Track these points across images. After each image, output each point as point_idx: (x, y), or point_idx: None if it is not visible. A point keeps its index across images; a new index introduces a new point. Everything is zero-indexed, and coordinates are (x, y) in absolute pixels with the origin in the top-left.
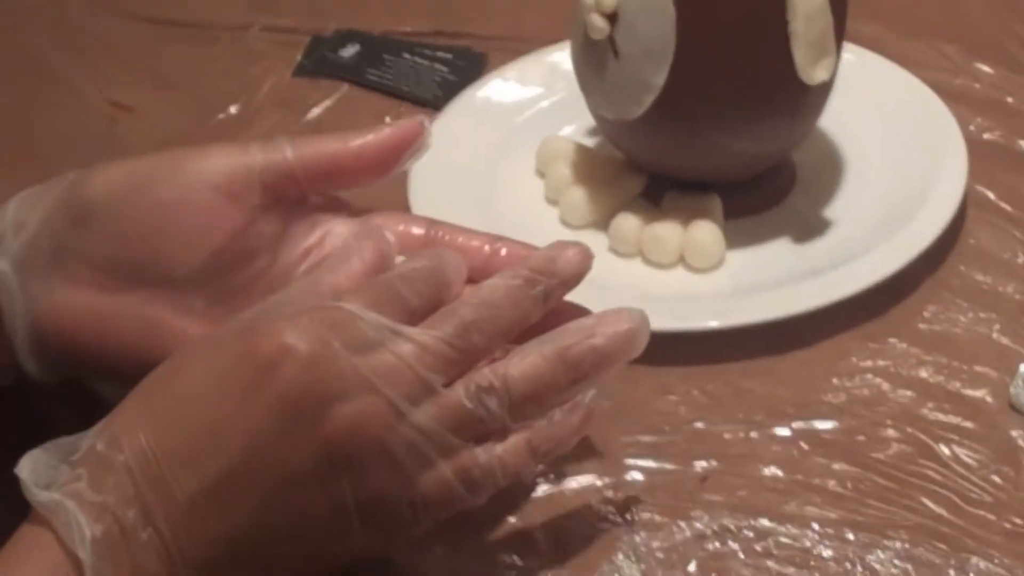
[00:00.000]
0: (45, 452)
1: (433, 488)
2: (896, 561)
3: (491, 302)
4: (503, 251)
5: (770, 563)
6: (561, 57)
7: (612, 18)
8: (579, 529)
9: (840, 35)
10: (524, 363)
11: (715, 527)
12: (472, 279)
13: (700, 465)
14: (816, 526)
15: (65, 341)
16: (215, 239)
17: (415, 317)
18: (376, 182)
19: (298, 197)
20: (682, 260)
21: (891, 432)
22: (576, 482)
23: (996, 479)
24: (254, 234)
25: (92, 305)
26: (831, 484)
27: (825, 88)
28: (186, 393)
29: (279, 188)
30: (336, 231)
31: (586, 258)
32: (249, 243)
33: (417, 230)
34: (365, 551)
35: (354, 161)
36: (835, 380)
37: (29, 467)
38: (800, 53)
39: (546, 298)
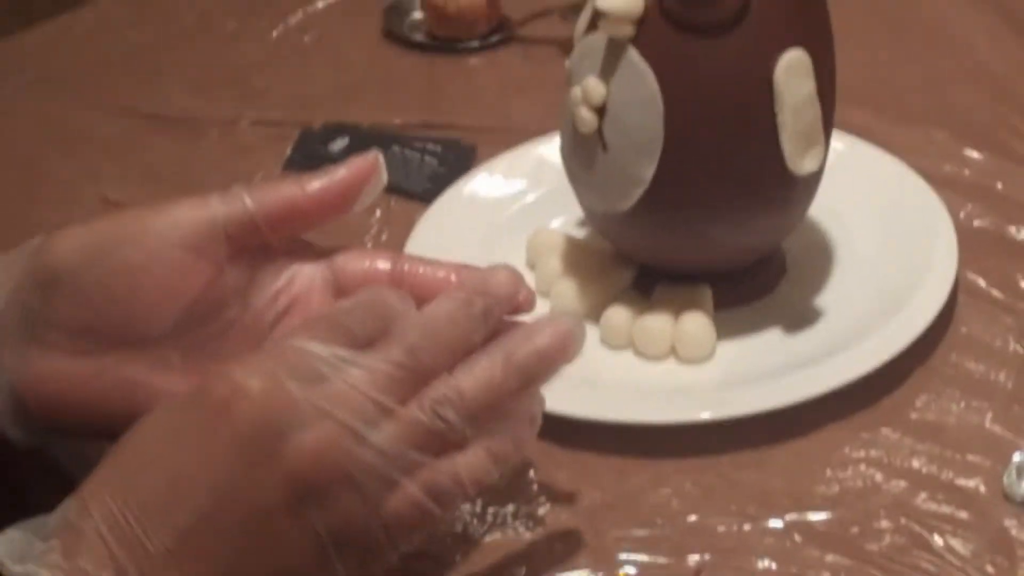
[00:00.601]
0: (18, 530)
1: (403, 507)
2: None
3: (432, 323)
4: None
5: None
6: (549, 149)
7: (601, 111)
8: None
9: (828, 124)
10: (474, 371)
11: None
12: None
13: (694, 559)
14: None
15: (47, 407)
16: (185, 296)
17: (361, 346)
18: (337, 221)
19: (262, 244)
20: (673, 352)
21: (885, 523)
22: None
23: (990, 569)
24: (223, 285)
25: (70, 371)
26: None
27: (814, 178)
28: (146, 449)
29: (243, 237)
30: (303, 272)
31: (515, 277)
32: (219, 294)
33: (383, 265)
34: None
35: (313, 204)
36: (828, 471)
37: (4, 546)
38: (788, 144)
39: (485, 316)
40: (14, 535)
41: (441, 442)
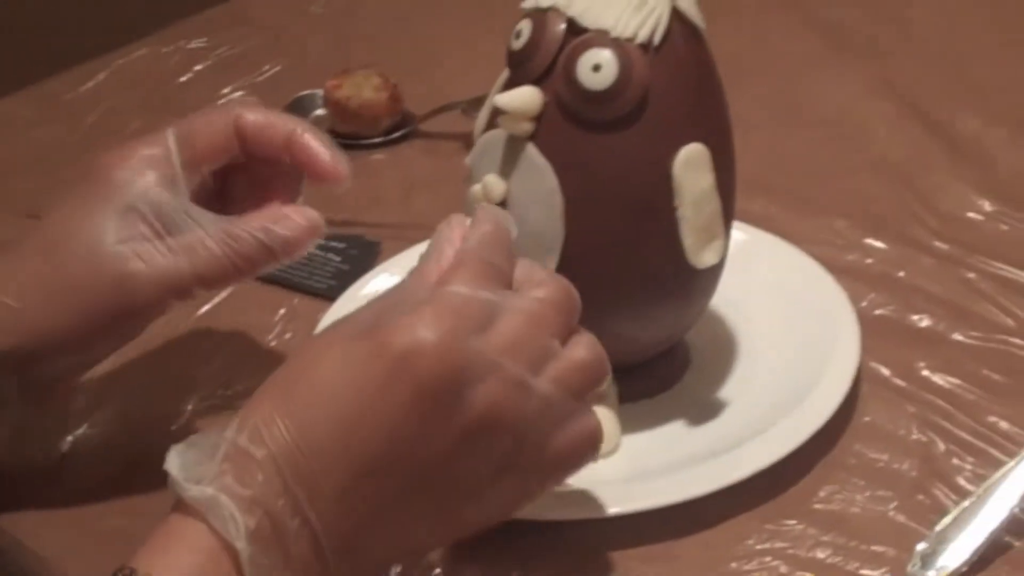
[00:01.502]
0: (189, 448)
1: (559, 450)
2: None
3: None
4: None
5: None
6: None
7: (501, 208)
8: None
9: (729, 217)
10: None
11: None
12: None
13: None
14: None
15: None
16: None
17: (509, 279)
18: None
19: None
20: None
21: None
22: None
23: None
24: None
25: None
26: None
27: (715, 270)
28: (323, 389)
29: None
30: None
31: None
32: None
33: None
34: (494, 516)
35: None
36: (733, 564)
37: (177, 463)
38: (689, 238)
39: None
40: (186, 452)
41: (596, 385)
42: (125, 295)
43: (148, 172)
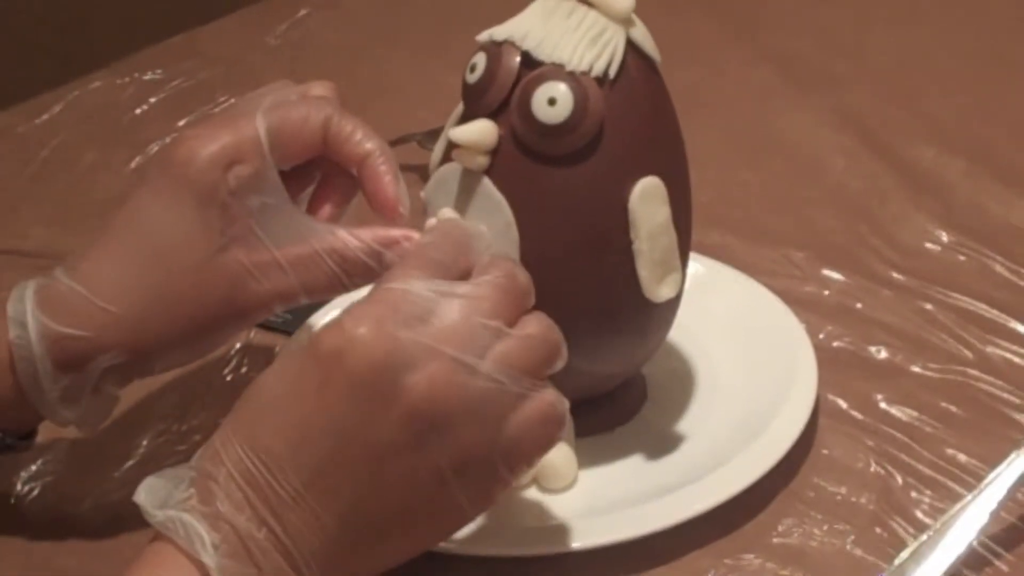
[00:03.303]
0: (158, 479)
1: (520, 431)
2: None
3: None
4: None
5: None
6: None
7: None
8: None
9: (685, 250)
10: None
11: None
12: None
13: None
14: None
15: None
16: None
17: (457, 273)
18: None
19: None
20: (535, 481)
21: None
22: None
23: None
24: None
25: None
26: None
27: (672, 304)
28: (268, 402)
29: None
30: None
31: None
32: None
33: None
34: (470, 512)
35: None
36: None
37: (145, 493)
38: (645, 271)
39: None
40: (155, 483)
41: (550, 361)
42: (236, 306)
43: (238, 166)
